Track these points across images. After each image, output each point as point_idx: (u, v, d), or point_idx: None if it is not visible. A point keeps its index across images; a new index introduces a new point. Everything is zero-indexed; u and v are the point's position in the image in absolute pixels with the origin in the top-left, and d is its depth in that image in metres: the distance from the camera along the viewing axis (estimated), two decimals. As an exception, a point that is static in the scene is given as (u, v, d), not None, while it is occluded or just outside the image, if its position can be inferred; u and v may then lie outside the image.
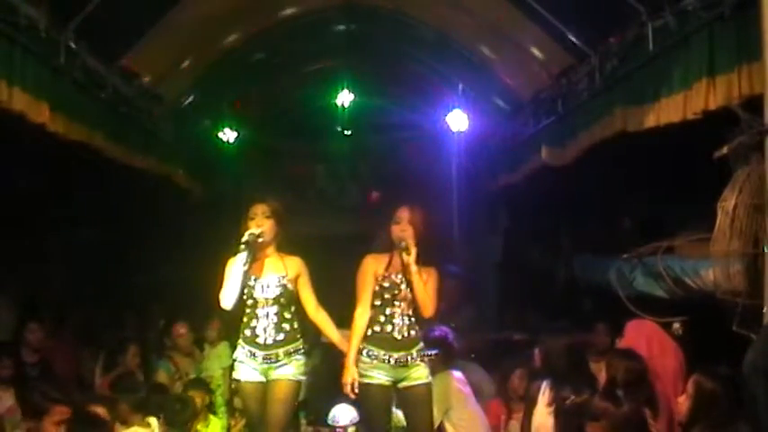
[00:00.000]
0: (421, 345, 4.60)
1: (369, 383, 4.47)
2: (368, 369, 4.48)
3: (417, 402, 4.54)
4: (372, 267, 4.58)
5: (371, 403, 4.53)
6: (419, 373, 4.53)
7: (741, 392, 3.18)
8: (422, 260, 4.52)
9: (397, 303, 4.54)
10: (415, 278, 4.47)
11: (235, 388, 5.32)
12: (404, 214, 4.56)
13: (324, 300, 4.71)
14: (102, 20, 4.80)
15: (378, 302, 4.56)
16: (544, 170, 6.65)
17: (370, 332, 4.52)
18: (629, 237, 6.12)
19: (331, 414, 5.50)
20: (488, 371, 6.09)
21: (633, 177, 6.12)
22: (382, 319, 4.52)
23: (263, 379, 4.51)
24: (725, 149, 3.63)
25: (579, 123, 5.73)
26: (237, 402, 5.76)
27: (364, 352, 4.50)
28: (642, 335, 4.40)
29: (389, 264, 4.57)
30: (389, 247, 4.59)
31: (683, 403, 3.76)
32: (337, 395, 4.94)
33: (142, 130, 6.38)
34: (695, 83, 3.86)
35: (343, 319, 4.68)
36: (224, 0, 5.96)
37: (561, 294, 7.60)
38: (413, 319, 4.56)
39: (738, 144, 3.55)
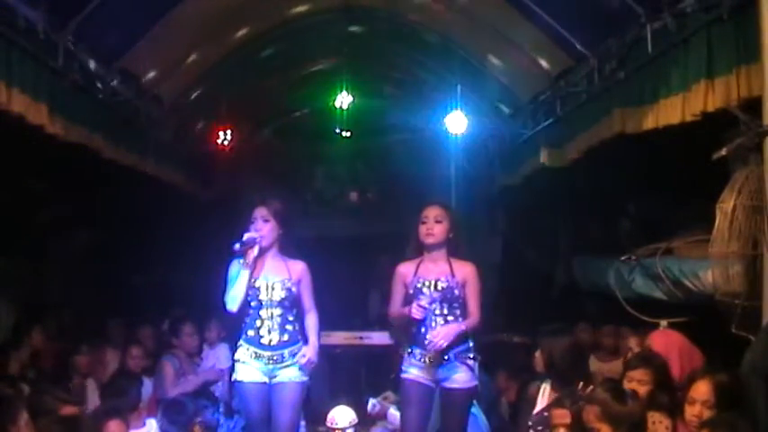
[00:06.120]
0: (462, 347, 4.56)
1: (405, 379, 4.55)
2: (408, 367, 4.56)
3: (451, 405, 4.56)
4: (401, 277, 4.63)
5: (406, 398, 4.59)
6: (459, 376, 4.53)
7: (739, 394, 3.17)
8: (458, 256, 4.61)
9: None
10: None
11: (235, 389, 5.29)
12: (431, 213, 4.57)
13: (322, 301, 4.70)
14: (100, 21, 4.80)
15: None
16: (543, 172, 6.65)
17: (410, 334, 4.58)
18: (628, 238, 6.12)
19: (330, 416, 5.49)
20: (488, 373, 6.07)
21: (632, 179, 6.12)
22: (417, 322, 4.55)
23: (267, 380, 4.50)
24: (724, 151, 3.64)
25: (578, 125, 5.73)
26: (236, 404, 5.75)
27: (407, 350, 4.59)
28: (673, 347, 4.34)
29: (417, 269, 4.57)
30: (419, 251, 4.59)
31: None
32: (336, 397, 4.93)
33: (141, 132, 6.37)
34: (694, 84, 3.87)
35: (341, 321, 4.66)
36: (223, 1, 5.96)
37: (560, 296, 7.60)
38: (450, 320, 4.52)
39: (737, 145, 3.56)
